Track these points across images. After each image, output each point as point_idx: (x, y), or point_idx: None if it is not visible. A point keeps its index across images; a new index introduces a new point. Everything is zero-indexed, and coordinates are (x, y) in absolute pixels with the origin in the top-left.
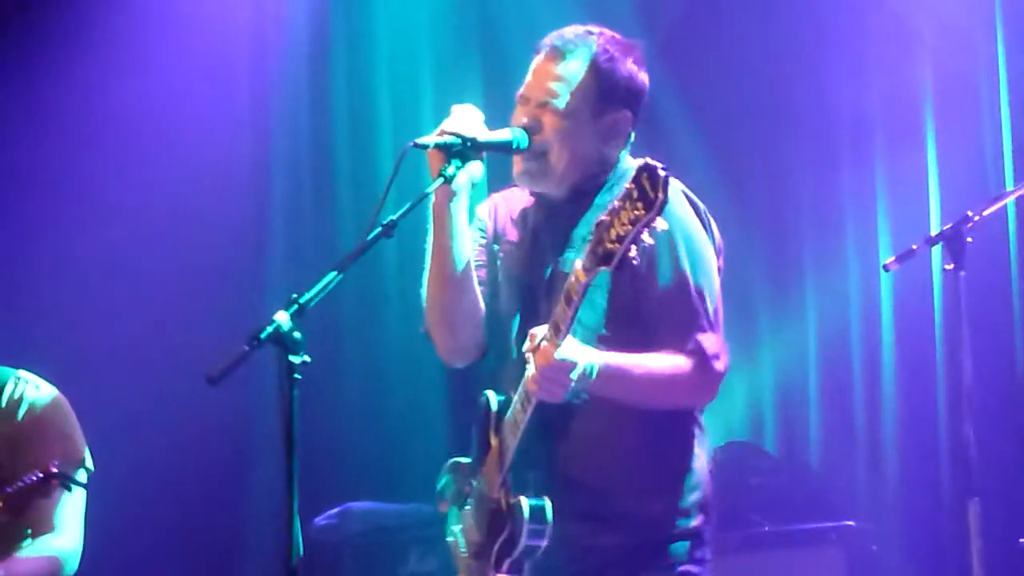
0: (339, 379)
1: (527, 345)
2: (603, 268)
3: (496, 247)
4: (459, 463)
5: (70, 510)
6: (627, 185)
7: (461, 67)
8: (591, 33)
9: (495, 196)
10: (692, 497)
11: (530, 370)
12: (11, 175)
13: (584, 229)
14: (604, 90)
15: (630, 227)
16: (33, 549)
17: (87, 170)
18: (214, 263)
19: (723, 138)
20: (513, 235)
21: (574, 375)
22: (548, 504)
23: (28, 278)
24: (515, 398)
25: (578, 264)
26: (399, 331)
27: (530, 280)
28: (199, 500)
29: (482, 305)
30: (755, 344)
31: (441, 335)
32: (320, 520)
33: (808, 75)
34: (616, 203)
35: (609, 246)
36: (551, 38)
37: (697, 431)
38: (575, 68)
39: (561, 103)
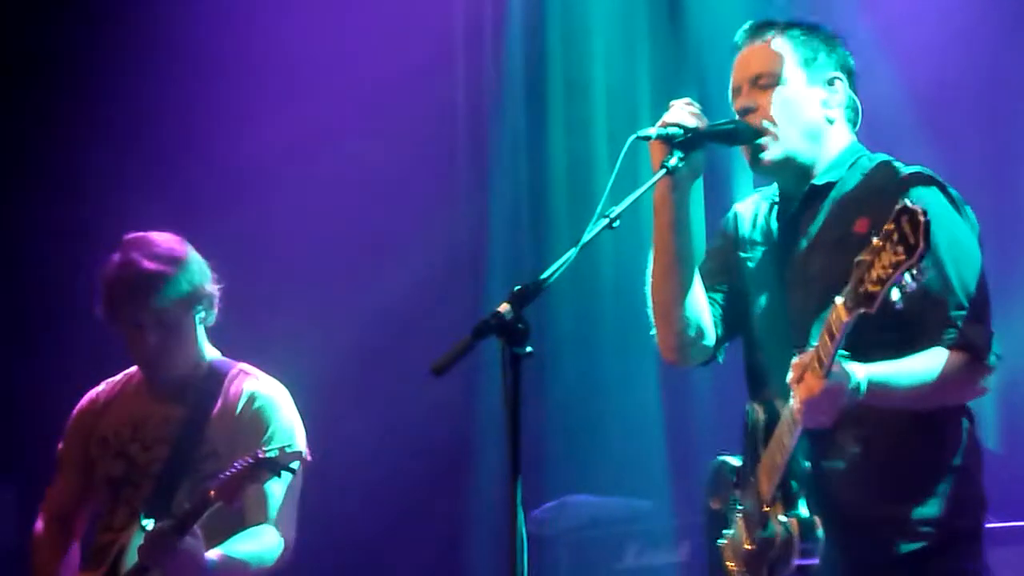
0: (557, 371)
1: (790, 376)
2: (863, 310)
3: (741, 254)
4: (728, 464)
5: (284, 498)
6: (886, 227)
7: (677, 64)
8: (775, 20)
9: (736, 205)
10: (968, 494)
11: (795, 401)
12: (239, 173)
13: (816, 227)
14: (808, 53)
15: (891, 271)
16: (246, 536)
17: (305, 173)
18: (437, 256)
19: (942, 122)
20: (754, 239)
21: (842, 401)
22: (818, 521)
23: (251, 274)
24: (782, 418)
25: (839, 301)
26: (618, 325)
27: (775, 280)
28: (422, 491)
29: (706, 304)
30: None
31: (661, 330)
32: (537, 513)
33: None
34: (876, 242)
35: (870, 288)
36: (742, 29)
37: (969, 424)
38: (776, 43)
39: (769, 77)
